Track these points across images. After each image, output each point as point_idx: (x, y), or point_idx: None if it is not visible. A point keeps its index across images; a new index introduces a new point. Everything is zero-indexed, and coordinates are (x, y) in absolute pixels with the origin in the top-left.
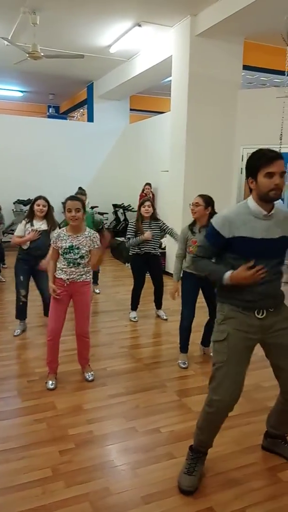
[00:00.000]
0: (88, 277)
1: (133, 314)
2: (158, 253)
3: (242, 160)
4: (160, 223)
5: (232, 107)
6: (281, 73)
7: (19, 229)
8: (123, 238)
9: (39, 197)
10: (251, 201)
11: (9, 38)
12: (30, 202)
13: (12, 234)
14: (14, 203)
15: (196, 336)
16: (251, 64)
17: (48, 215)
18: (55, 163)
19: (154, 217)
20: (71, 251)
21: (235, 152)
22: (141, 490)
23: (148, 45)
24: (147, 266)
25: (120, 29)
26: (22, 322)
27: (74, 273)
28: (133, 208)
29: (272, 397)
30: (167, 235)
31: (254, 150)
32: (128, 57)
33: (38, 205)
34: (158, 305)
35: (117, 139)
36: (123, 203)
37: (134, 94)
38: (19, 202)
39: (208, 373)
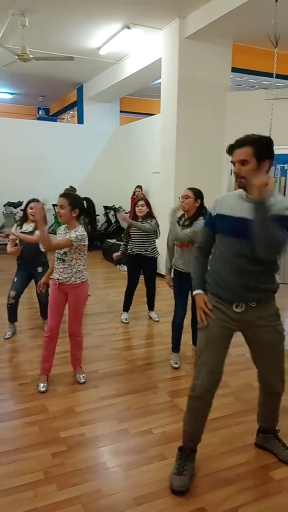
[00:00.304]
0: (78, 280)
1: (124, 315)
2: (153, 256)
3: (231, 161)
4: (153, 223)
5: (221, 109)
6: (270, 75)
7: (12, 232)
8: (114, 240)
9: (33, 200)
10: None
11: None
12: (20, 205)
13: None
14: (4, 206)
15: (188, 336)
16: (240, 66)
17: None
18: (45, 165)
19: (148, 217)
20: None
21: (225, 153)
22: (133, 492)
23: (137, 48)
24: (140, 267)
25: (109, 31)
26: (12, 325)
27: (62, 272)
28: (124, 210)
29: None
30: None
31: None
32: (117, 59)
33: (31, 208)
34: (150, 306)
35: (107, 141)
36: (114, 205)
37: (124, 96)
38: (9, 204)
39: None
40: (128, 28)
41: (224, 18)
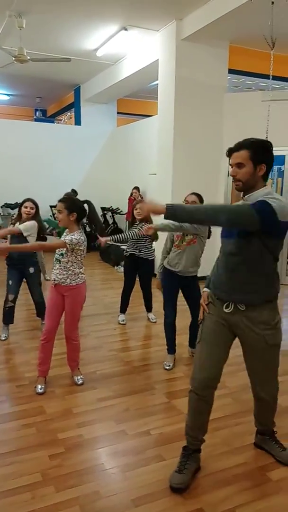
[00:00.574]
0: (74, 282)
1: (121, 316)
2: (149, 257)
3: (229, 163)
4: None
5: (218, 111)
6: (266, 77)
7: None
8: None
9: (27, 200)
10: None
11: None
12: (18, 206)
13: None
14: (1, 207)
15: (185, 338)
16: (236, 68)
17: (35, 218)
18: (42, 167)
19: (147, 220)
20: None
21: (223, 155)
22: (131, 493)
23: (134, 49)
24: (136, 269)
25: (106, 32)
26: (6, 327)
27: (58, 273)
28: (121, 211)
29: None
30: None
31: None
32: (114, 60)
33: (26, 207)
34: (148, 308)
35: (104, 142)
36: (111, 206)
37: (121, 98)
38: (6, 205)
39: None
40: (125, 29)
41: (220, 20)
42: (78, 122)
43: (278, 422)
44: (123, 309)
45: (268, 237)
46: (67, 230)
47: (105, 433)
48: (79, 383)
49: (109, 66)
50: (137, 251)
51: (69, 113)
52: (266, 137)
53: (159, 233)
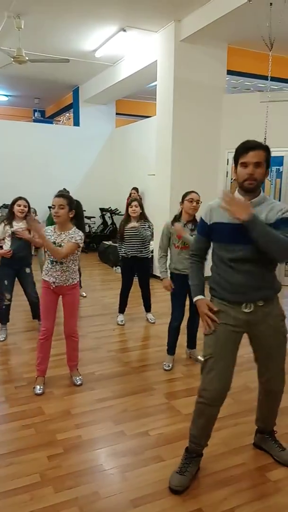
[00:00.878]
0: (75, 280)
1: (120, 317)
2: (147, 256)
3: (228, 164)
4: (146, 225)
5: (217, 112)
6: (265, 78)
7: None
8: (110, 242)
9: (19, 198)
10: (236, 191)
11: None
12: (9, 205)
13: None
14: (0, 208)
15: (184, 338)
16: (235, 69)
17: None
18: (41, 168)
19: (142, 218)
20: None
21: (220, 156)
22: (130, 494)
23: (133, 50)
24: (134, 268)
25: (105, 33)
26: (4, 327)
27: (60, 275)
28: (120, 212)
29: None
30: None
31: None
32: (113, 61)
33: (19, 206)
34: (147, 308)
35: (103, 143)
36: (110, 207)
37: (120, 99)
38: (5, 206)
39: (196, 375)
40: (124, 30)
41: (219, 21)
42: (76, 123)
43: (278, 422)
44: (121, 310)
45: None
46: (49, 228)
47: (104, 434)
48: (77, 383)
49: (107, 67)
50: (138, 252)
51: (67, 114)
52: (265, 138)
53: (154, 232)
